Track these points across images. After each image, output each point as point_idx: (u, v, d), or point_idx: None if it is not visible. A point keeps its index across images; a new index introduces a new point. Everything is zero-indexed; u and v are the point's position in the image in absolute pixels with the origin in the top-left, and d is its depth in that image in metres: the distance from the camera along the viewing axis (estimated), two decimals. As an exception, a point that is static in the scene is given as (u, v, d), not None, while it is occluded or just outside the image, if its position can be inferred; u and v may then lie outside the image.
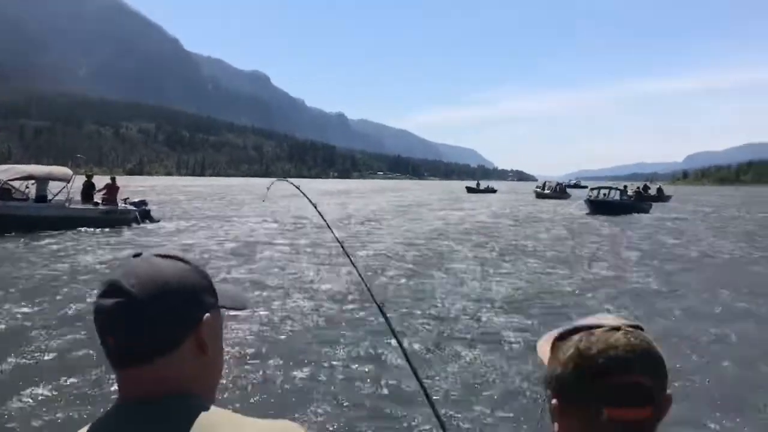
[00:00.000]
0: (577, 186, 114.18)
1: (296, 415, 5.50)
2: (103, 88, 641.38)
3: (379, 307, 2.40)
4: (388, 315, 2.29)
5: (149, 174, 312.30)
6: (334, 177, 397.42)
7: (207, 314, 1.02)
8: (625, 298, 11.35)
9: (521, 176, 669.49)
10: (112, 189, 23.65)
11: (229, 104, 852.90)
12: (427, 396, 2.04)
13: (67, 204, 21.94)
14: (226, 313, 1.09)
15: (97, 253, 16.14)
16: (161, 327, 0.97)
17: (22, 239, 18.30)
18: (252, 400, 5.97)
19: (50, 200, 21.74)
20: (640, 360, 0.96)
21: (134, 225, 23.04)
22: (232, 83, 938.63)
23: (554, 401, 1.02)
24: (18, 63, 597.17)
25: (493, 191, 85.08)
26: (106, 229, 21.43)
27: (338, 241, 2.55)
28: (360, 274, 2.64)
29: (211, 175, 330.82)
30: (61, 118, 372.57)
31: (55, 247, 17.24)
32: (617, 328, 1.00)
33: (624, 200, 40.71)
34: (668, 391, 0.99)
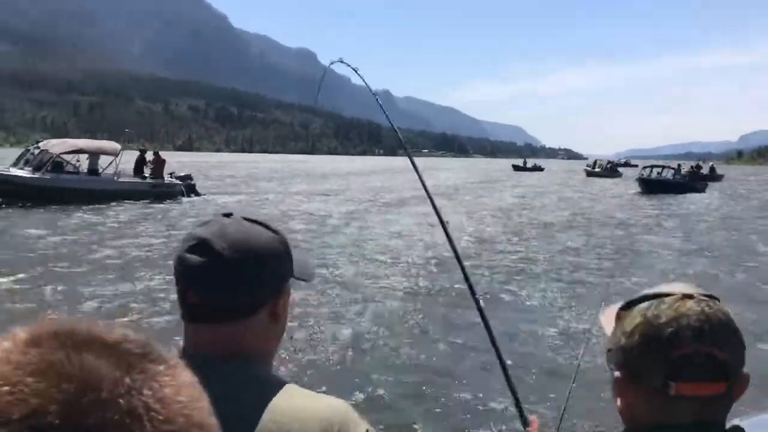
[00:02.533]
0: (627, 165, 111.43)
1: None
2: (153, 64, 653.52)
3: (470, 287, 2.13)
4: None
5: (198, 150, 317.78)
6: (379, 155, 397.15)
7: (285, 285, 1.05)
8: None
9: (570, 155, 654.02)
10: (158, 163, 23.94)
11: (276, 81, 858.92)
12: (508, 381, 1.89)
13: (115, 177, 22.37)
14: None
15: (142, 225, 16.45)
16: (244, 291, 0.98)
17: (74, 210, 18.74)
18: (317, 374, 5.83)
19: (100, 173, 22.25)
20: (714, 331, 0.87)
21: (180, 198, 23.34)
22: (279, 60, 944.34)
23: (617, 374, 0.94)
24: (72, 39, 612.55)
25: (540, 169, 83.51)
26: (153, 202, 21.81)
27: (441, 224, 2.41)
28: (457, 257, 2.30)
29: (258, 152, 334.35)
30: (113, 93, 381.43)
31: (102, 218, 17.63)
32: (690, 296, 0.91)
33: (677, 179, 39.34)
34: (745, 371, 0.90)
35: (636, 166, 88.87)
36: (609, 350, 0.97)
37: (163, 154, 25.29)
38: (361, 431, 0.96)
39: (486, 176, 62.38)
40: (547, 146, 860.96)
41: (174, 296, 0.95)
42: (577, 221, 20.34)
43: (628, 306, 0.96)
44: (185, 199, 23.33)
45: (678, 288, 0.94)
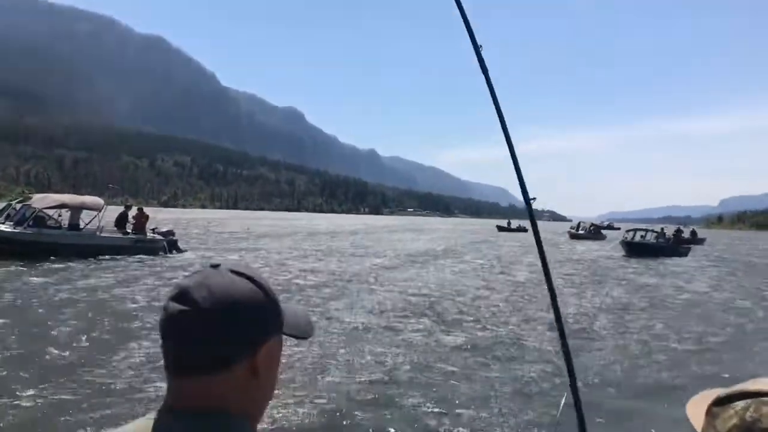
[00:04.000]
0: (610, 227, 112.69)
1: None
2: (141, 121, 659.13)
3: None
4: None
5: (183, 207, 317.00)
6: (365, 213, 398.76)
7: (267, 341, 1.02)
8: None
9: (555, 216, 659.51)
10: (141, 218, 23.83)
11: (263, 139, 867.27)
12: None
13: (98, 232, 22.21)
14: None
15: (123, 279, 16.25)
16: (220, 344, 0.96)
17: (55, 265, 18.48)
18: None
19: (82, 229, 22.02)
20: None
21: (162, 254, 23.12)
22: (267, 119, 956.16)
23: None
24: (60, 95, 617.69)
25: (525, 230, 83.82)
26: (135, 258, 21.60)
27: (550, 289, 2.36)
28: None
29: (243, 209, 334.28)
30: (99, 149, 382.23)
31: (84, 273, 17.29)
32: None
33: (661, 243, 39.72)
34: None
35: (618, 228, 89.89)
36: None
37: (147, 209, 25.20)
38: None
39: (472, 237, 62.55)
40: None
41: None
42: (570, 281, 20.27)
43: (722, 402, 0.87)
44: (168, 255, 23.11)
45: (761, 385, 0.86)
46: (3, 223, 20.77)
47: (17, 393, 6.63)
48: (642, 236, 41.57)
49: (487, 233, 70.86)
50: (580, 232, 64.96)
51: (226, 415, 0.96)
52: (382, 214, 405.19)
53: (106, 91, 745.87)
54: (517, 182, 2.53)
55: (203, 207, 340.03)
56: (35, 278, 15.85)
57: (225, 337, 0.97)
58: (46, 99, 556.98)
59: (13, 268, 17.40)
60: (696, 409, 0.93)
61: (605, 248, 44.48)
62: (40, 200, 21.86)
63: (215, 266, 1.04)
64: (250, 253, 27.71)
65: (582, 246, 48.15)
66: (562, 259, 32.03)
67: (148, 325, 10.38)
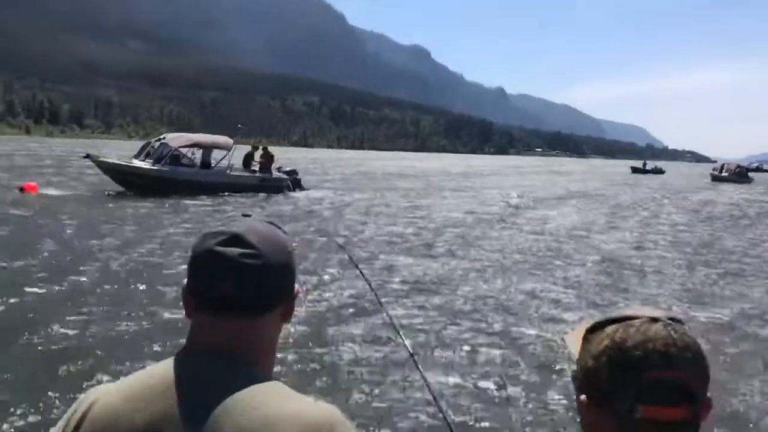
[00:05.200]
0: (759, 170, 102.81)
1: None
2: (272, 62, 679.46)
3: None
4: None
5: (312, 146, 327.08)
6: (490, 153, 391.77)
7: (297, 285, 1.08)
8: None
9: (698, 157, 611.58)
10: (267, 158, 24.70)
11: (389, 79, 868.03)
12: None
13: (228, 171, 23.33)
14: None
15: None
16: (275, 285, 1.02)
17: (188, 201, 19.71)
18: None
19: (213, 167, 23.25)
20: (680, 355, 0.87)
21: (286, 192, 24.02)
22: (393, 58, 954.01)
23: (583, 397, 0.93)
24: (195, 39, 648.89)
25: (662, 172, 78.81)
26: (262, 195, 22.63)
27: None
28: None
29: (369, 149, 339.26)
30: (234, 90, 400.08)
31: (214, 208, 18.38)
32: (656, 320, 0.91)
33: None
34: (708, 395, 0.90)
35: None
36: (574, 372, 0.97)
37: (278, 149, 26.08)
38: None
39: (600, 181, 59.66)
40: (670, 148, 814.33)
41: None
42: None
43: (595, 329, 0.95)
44: (291, 194, 23.97)
45: (645, 311, 0.93)
46: (143, 161, 22.40)
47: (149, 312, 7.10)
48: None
49: (616, 177, 67.07)
50: (723, 174, 59.78)
51: (255, 355, 1.00)
52: (507, 154, 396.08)
53: (237, 33, 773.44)
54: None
55: (330, 147, 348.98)
56: (169, 211, 17.01)
57: (277, 280, 1.02)
58: (182, 42, 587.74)
59: (152, 204, 18.72)
60: (575, 338, 1.00)
61: (751, 192, 40.79)
62: (175, 139, 23.26)
63: (248, 215, 1.09)
64: (369, 193, 28.02)
65: (723, 190, 44.43)
66: (690, 206, 29.78)
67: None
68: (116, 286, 8.51)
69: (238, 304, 0.99)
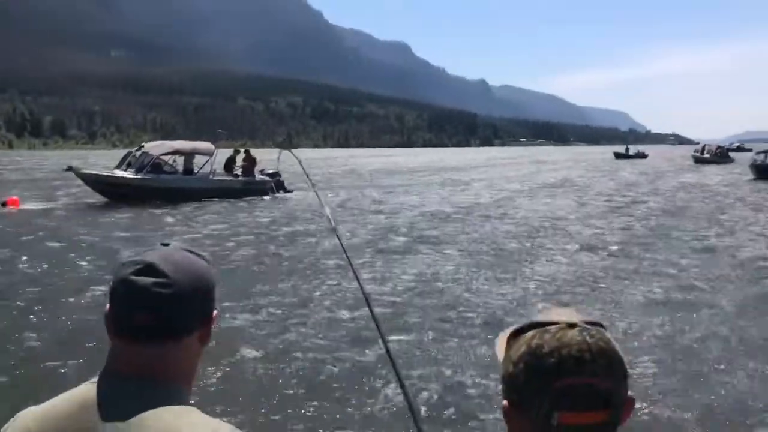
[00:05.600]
0: (740, 149, 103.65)
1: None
2: (254, 64, 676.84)
3: None
4: None
5: (297, 146, 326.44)
6: (475, 145, 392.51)
7: (215, 311, 1.13)
8: None
9: (681, 140, 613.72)
10: (249, 161, 24.74)
11: (371, 75, 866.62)
12: None
13: (211, 176, 23.39)
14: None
15: (237, 220, 17.33)
16: (189, 312, 1.06)
17: (171, 208, 19.81)
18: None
19: (196, 173, 23.29)
20: (594, 360, 0.88)
21: (270, 194, 24.05)
22: (374, 54, 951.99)
23: (505, 402, 0.94)
24: (176, 45, 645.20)
25: (644, 156, 79.50)
26: (245, 199, 22.70)
27: None
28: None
29: (354, 146, 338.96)
30: (217, 94, 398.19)
31: (198, 213, 18.49)
32: (573, 325, 0.92)
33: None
34: (630, 393, 0.92)
35: (750, 150, 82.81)
36: (501, 378, 0.98)
37: (264, 151, 26.14)
38: None
39: (583, 166, 60.10)
40: (653, 132, 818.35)
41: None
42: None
43: (517, 333, 0.97)
44: (275, 196, 24.05)
45: (564, 316, 0.94)
46: (125, 171, 22.41)
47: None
48: (776, 158, 37.88)
49: (601, 162, 67.62)
50: (705, 155, 60.39)
51: (172, 378, 1.04)
52: (492, 145, 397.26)
53: (217, 37, 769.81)
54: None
55: (316, 146, 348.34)
56: (155, 220, 17.08)
57: (192, 307, 1.06)
58: (164, 49, 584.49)
59: (134, 212, 18.76)
60: (500, 342, 1.01)
61: (733, 173, 41.30)
62: (156, 147, 23.33)
63: (166, 244, 1.13)
64: (355, 191, 28.16)
65: (704, 171, 44.96)
66: (669, 188, 30.20)
67: (248, 257, 10.95)
68: (97, 299, 8.60)
69: (152, 332, 1.03)
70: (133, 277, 1.03)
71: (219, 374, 5.81)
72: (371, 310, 1.92)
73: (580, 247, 12.83)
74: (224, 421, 1.02)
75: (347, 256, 2.13)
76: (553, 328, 0.92)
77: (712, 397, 5.39)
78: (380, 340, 1.85)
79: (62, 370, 5.88)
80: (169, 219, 17.63)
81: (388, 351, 1.81)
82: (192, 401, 1.01)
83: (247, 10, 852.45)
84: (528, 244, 13.27)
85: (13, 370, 5.95)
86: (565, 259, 11.58)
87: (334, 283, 9.42)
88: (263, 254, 12.31)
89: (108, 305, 1.07)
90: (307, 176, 2.22)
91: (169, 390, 1.03)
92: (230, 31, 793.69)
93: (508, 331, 1.00)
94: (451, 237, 14.36)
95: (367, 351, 6.41)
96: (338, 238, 2.19)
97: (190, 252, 1.12)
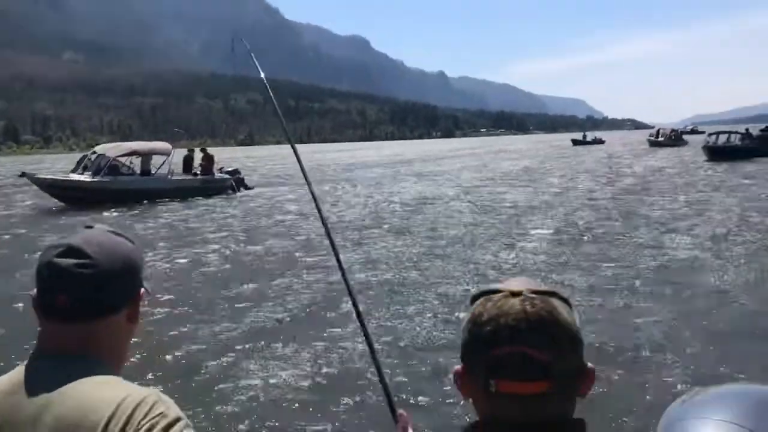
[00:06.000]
0: (694, 132, 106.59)
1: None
2: (211, 62, 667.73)
3: None
4: None
5: (259, 144, 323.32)
6: (437, 137, 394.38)
7: (142, 289, 1.15)
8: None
9: (637, 125, 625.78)
10: (207, 160, 24.52)
11: (330, 71, 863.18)
12: None
13: (169, 176, 23.10)
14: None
15: (199, 218, 17.17)
16: (113, 291, 1.08)
17: (131, 210, 19.58)
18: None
19: (153, 173, 22.98)
20: (531, 330, 0.86)
21: (230, 192, 23.91)
22: (332, 50, 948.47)
23: (457, 367, 0.94)
24: (132, 45, 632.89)
25: (601, 142, 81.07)
26: (205, 198, 22.47)
27: None
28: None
29: (317, 142, 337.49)
30: (174, 94, 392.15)
31: (157, 213, 18.28)
32: (517, 293, 0.90)
33: (746, 144, 37.29)
34: (589, 365, 0.90)
35: (703, 132, 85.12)
36: None
37: (226, 149, 25.86)
38: (158, 408, 0.98)
39: (538, 156, 60.95)
40: (610, 117, 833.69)
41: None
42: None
43: (472, 300, 0.96)
44: (236, 194, 23.91)
45: (513, 284, 0.93)
46: (81, 174, 22.00)
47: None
48: (726, 139, 39.17)
49: (559, 150, 68.67)
50: (660, 139, 61.92)
51: (98, 354, 1.06)
52: (454, 137, 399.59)
53: (173, 36, 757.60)
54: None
55: (278, 143, 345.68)
56: (114, 222, 16.83)
57: (116, 286, 1.08)
58: (118, 50, 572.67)
59: (92, 215, 18.44)
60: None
61: (687, 155, 42.42)
62: (112, 149, 22.97)
63: (90, 227, 1.15)
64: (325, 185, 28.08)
65: (659, 154, 46.06)
66: (625, 172, 30.89)
67: (219, 254, 10.91)
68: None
69: (75, 312, 1.05)
70: (56, 260, 1.05)
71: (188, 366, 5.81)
72: (352, 296, 1.92)
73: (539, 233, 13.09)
74: (153, 389, 1.03)
75: (333, 246, 2.12)
76: (496, 296, 0.91)
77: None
78: (355, 315, 1.88)
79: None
80: (128, 221, 17.35)
81: (362, 323, 1.87)
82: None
83: (203, 8, 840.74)
84: (498, 227, 13.48)
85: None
86: (530, 244, 11.81)
87: (311, 273, 9.52)
88: (230, 249, 12.28)
89: (35, 289, 1.09)
90: (303, 172, 2.30)
91: (92, 365, 1.04)
92: (186, 29, 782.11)
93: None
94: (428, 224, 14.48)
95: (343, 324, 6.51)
96: (328, 235, 2.18)
97: (115, 233, 1.14)
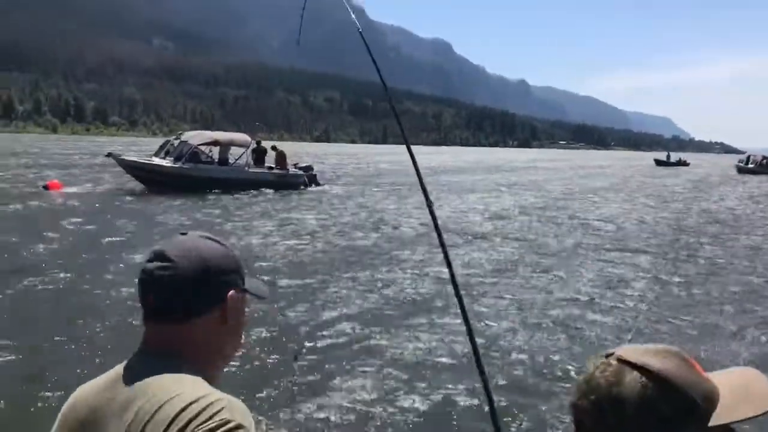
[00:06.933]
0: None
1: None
2: (293, 58, 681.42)
3: None
4: None
5: (335, 141, 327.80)
6: (513, 146, 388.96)
7: (232, 291, 1.18)
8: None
9: (726, 149, 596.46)
10: (280, 156, 24.87)
11: (410, 72, 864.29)
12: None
13: (246, 168, 23.57)
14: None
15: (269, 212, 17.41)
16: (195, 294, 1.13)
17: (206, 197, 20.20)
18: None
19: (232, 164, 23.49)
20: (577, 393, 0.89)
21: (302, 188, 24.31)
22: (414, 51, 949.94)
23: None
24: (219, 36, 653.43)
25: (686, 164, 77.60)
26: (279, 191, 22.84)
27: None
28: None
29: (391, 143, 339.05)
30: (256, 86, 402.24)
31: (236, 205, 18.76)
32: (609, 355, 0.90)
33: None
34: None
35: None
36: None
37: (301, 144, 26.28)
38: (223, 414, 1.01)
39: (619, 175, 58.98)
40: (697, 139, 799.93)
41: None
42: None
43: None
44: (308, 189, 24.29)
45: (622, 351, 0.91)
46: (164, 159, 22.72)
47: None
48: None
49: (640, 169, 66.28)
50: (750, 165, 58.44)
51: (179, 355, 1.11)
52: (530, 147, 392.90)
53: (259, 31, 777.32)
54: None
55: (353, 142, 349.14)
56: (192, 208, 17.27)
57: (197, 289, 1.13)
58: (206, 40, 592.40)
59: (175, 201, 18.99)
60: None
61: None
62: (195, 137, 23.59)
63: (184, 233, 1.21)
64: (389, 187, 28.07)
65: (749, 182, 43.65)
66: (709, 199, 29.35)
67: (278, 253, 10.98)
68: (118, 289, 8.69)
69: (160, 312, 1.13)
70: (146, 264, 1.15)
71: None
72: (459, 299, 1.89)
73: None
74: (227, 395, 1.06)
75: (442, 242, 2.14)
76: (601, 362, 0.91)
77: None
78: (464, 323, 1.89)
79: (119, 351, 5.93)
80: (203, 208, 17.80)
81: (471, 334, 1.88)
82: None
83: (287, 5, 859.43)
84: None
85: (74, 349, 6.03)
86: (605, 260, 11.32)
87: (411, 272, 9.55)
88: (320, 244, 12.53)
89: None
90: (418, 173, 2.31)
91: (179, 364, 1.10)
92: (270, 24, 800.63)
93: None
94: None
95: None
96: (439, 236, 2.18)
97: (206, 238, 1.20)
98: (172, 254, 1.13)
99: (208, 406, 1.00)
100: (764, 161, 58.98)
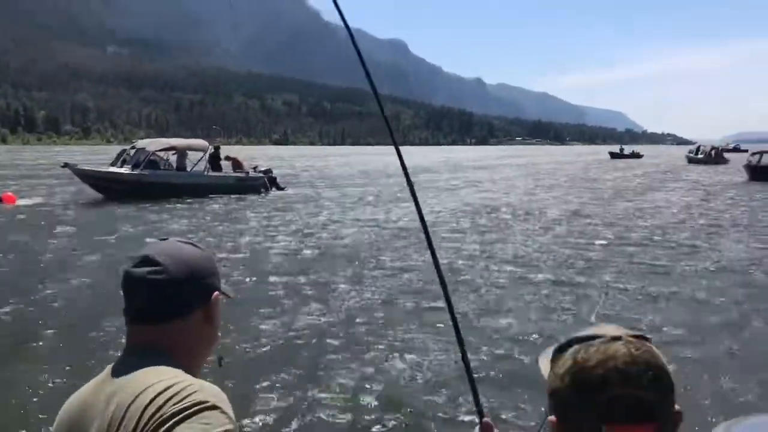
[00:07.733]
0: (736, 150, 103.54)
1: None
2: (251, 62, 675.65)
3: None
4: None
5: (293, 144, 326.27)
6: (471, 144, 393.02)
7: (216, 292, 1.25)
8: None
9: (678, 140, 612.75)
10: (236, 163, 24.93)
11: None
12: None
13: (205, 173, 23.49)
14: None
15: (230, 216, 17.29)
16: (183, 294, 1.19)
17: (166, 203, 19.94)
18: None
19: (190, 170, 23.38)
20: (640, 372, 0.89)
21: (263, 191, 24.32)
22: (371, 52, 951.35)
23: (551, 418, 0.95)
24: (176, 39, 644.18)
25: (639, 156, 79.89)
26: (238, 195, 22.84)
27: None
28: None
29: (350, 144, 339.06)
30: (213, 91, 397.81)
31: (192, 211, 18.55)
32: (617, 338, 0.93)
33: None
34: (677, 408, 0.92)
35: (746, 151, 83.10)
36: (548, 395, 0.98)
37: (259, 148, 26.26)
38: (196, 396, 1.04)
39: (580, 167, 60.21)
40: (650, 131, 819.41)
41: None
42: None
43: (561, 350, 0.97)
44: (268, 193, 24.35)
45: (608, 330, 0.95)
46: (121, 167, 22.48)
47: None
48: (772, 158, 37.59)
49: (595, 162, 67.80)
50: (699, 156, 60.24)
51: (164, 351, 1.16)
52: (488, 144, 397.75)
53: (217, 35, 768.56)
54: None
55: (312, 144, 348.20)
56: (154, 215, 17.18)
57: (185, 290, 1.19)
58: (161, 45, 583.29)
59: (130, 208, 18.83)
60: (544, 359, 1.03)
61: (725, 174, 41.40)
62: (152, 144, 23.44)
63: (164, 239, 1.27)
64: (354, 189, 28.25)
65: (696, 172, 45.04)
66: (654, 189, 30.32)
67: (256, 249, 11.07)
68: (94, 292, 8.70)
69: (150, 313, 1.18)
70: (132, 269, 1.19)
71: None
72: (445, 291, 1.90)
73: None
74: (203, 381, 1.11)
75: (428, 235, 2.11)
76: (597, 341, 0.93)
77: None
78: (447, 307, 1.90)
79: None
80: (165, 215, 17.71)
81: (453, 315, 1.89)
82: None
83: (245, 9, 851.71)
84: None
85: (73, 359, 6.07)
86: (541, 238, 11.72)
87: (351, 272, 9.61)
88: (286, 246, 12.58)
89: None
90: (406, 174, 2.29)
91: (162, 359, 1.14)
92: (227, 28, 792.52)
93: (551, 349, 1.01)
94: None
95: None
96: (426, 233, 2.13)
97: (184, 242, 1.26)
98: (160, 259, 1.18)
99: (182, 389, 1.04)
100: (712, 152, 60.89)
